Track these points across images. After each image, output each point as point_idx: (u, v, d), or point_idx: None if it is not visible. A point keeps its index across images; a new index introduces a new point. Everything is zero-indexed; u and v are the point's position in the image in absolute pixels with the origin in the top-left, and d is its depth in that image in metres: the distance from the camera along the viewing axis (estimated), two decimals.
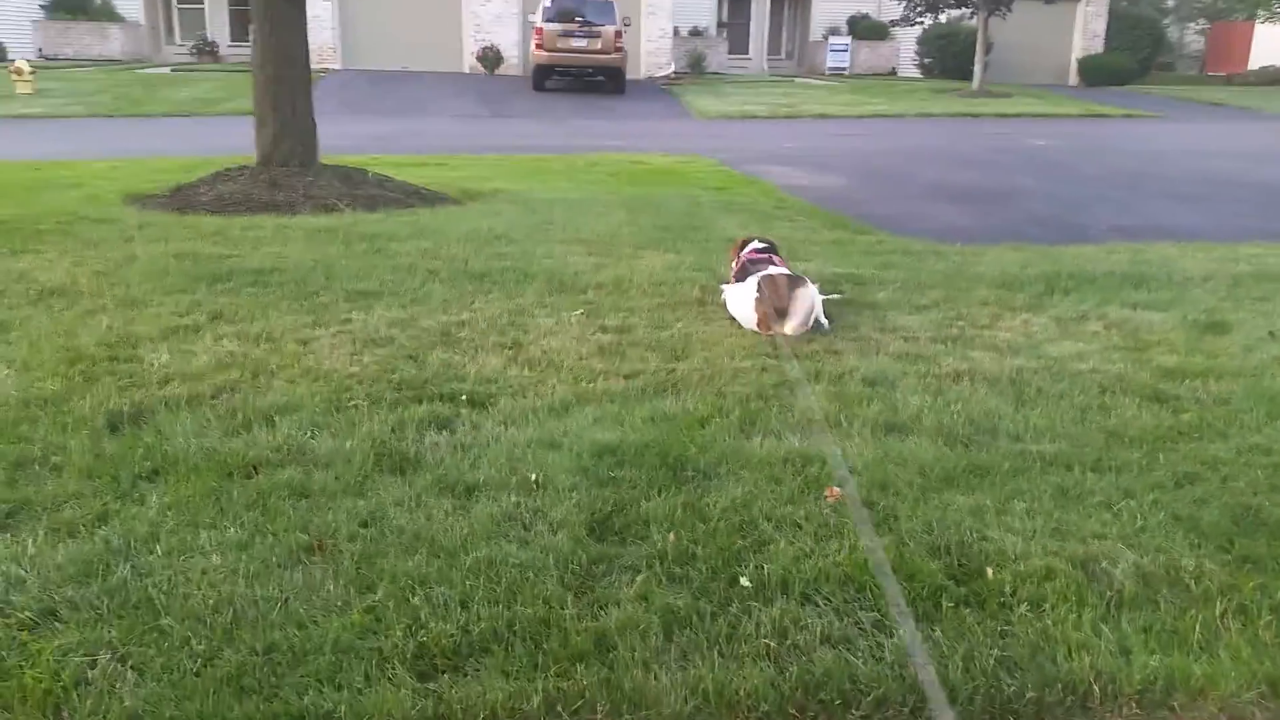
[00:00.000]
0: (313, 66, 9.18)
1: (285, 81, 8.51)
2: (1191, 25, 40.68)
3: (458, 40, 27.75)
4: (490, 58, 27.29)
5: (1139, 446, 3.20)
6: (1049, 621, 2.27)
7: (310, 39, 9.08)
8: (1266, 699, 2.10)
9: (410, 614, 2.25)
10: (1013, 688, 2.07)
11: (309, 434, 3.21)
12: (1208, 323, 4.73)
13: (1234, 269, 6.13)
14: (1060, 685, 2.08)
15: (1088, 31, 31.48)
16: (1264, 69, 33.48)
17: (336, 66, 26.44)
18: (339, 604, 2.30)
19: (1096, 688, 2.09)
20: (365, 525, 2.64)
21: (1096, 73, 30.48)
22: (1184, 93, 27.58)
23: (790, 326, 4.45)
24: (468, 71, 27.40)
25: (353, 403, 3.49)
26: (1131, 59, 31.11)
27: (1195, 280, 5.56)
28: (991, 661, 2.13)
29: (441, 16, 27.44)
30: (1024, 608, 2.32)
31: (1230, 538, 2.64)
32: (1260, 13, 31.25)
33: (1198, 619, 2.30)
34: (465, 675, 2.08)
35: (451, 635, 2.18)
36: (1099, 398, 3.66)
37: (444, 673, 2.09)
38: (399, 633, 2.19)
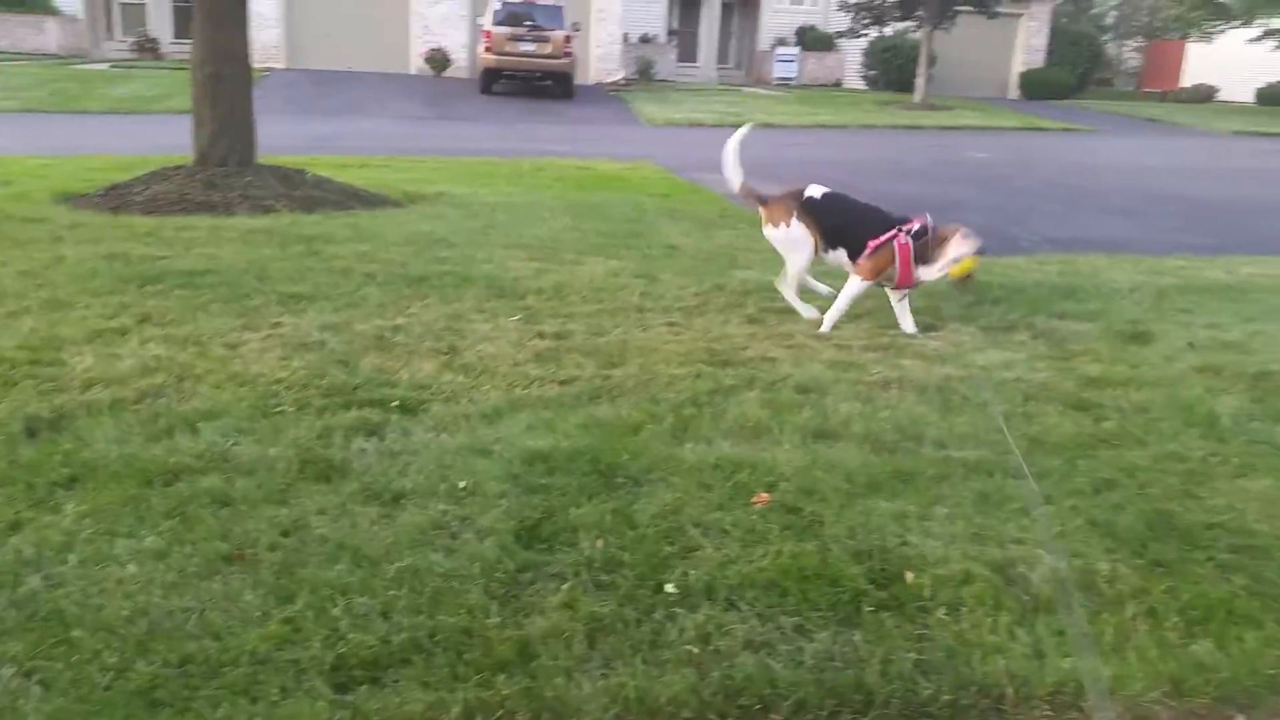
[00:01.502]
0: (256, 65, 9.04)
1: (225, 80, 8.36)
2: (1129, 43, 41.70)
3: (405, 41, 27.51)
4: (438, 60, 27.10)
5: (1060, 453, 3.28)
6: (966, 625, 2.31)
7: (254, 37, 8.94)
8: (1170, 697, 2.16)
9: (329, 625, 2.23)
10: (929, 690, 2.11)
11: (233, 441, 3.16)
12: (1131, 333, 4.86)
13: (1160, 281, 6.30)
14: (975, 688, 2.13)
15: (1029, 46, 32.14)
16: (1196, 87, 34.45)
17: (281, 66, 26.07)
18: (257, 615, 2.27)
19: (1010, 690, 2.13)
20: (287, 534, 2.60)
21: (1036, 87, 31.12)
22: (1120, 108, 28.26)
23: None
24: (414, 73, 27.18)
25: (279, 409, 3.44)
26: (1071, 74, 31.81)
27: (1122, 291, 5.70)
28: (909, 665, 2.17)
29: (389, 17, 27.20)
30: (942, 611, 2.36)
31: (1144, 542, 2.71)
32: (1192, 32, 32.13)
33: (1110, 622, 2.36)
34: (384, 687, 2.06)
35: (371, 646, 2.15)
36: (1022, 405, 3.74)
37: (362, 684, 2.07)
38: (317, 644, 2.16)
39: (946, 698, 2.09)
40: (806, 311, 5.06)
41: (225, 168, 8.24)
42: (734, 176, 5.32)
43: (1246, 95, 32.29)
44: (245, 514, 2.70)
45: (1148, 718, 2.12)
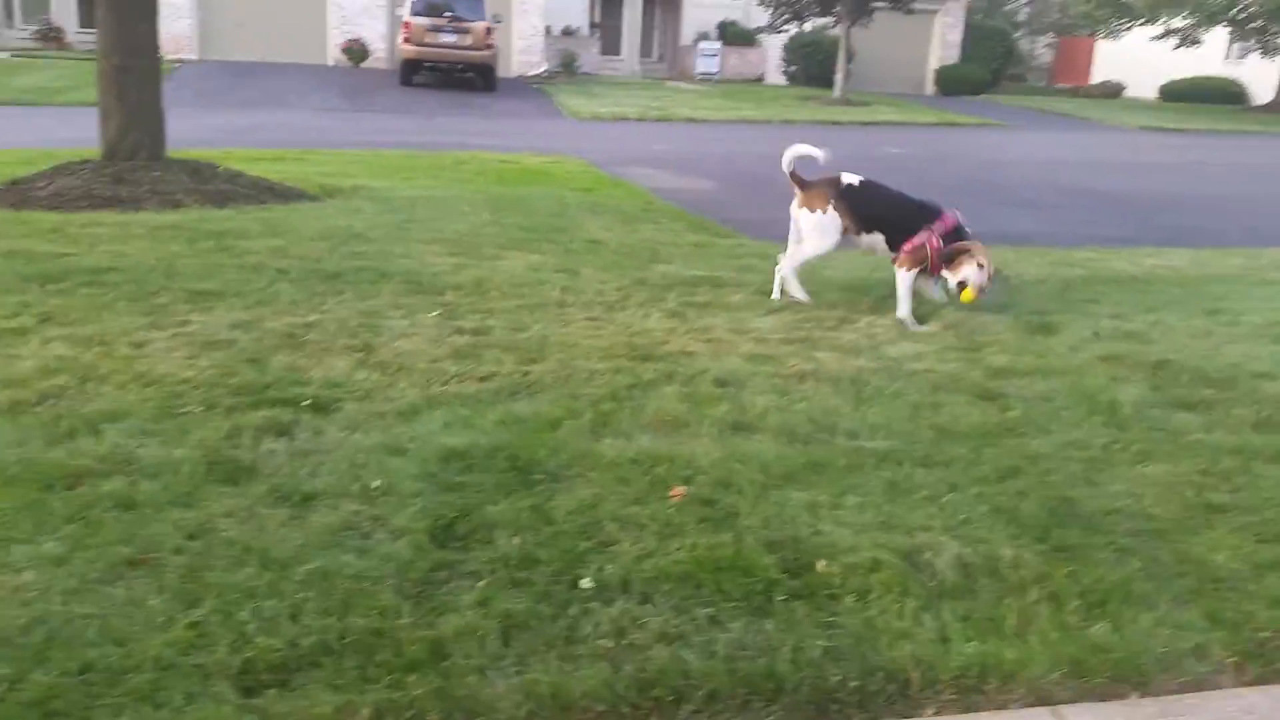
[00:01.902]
0: (168, 56, 8.80)
1: (132, 71, 8.11)
2: (1041, 39, 42.87)
3: (322, 32, 26.98)
4: (356, 51, 26.63)
5: (966, 442, 3.36)
6: (874, 611, 2.36)
7: (165, 28, 8.70)
8: (1070, 678, 2.23)
9: (236, 628, 2.18)
10: (837, 677, 2.15)
11: (137, 442, 3.07)
12: (1038, 324, 5.00)
13: (1067, 273, 6.50)
14: (882, 673, 2.18)
15: (944, 42, 32.80)
16: (1105, 82, 35.59)
17: (193, 57, 25.35)
18: (161, 620, 2.21)
19: (916, 675, 2.19)
20: (193, 538, 2.54)
21: (952, 83, 31.79)
22: (1032, 103, 29.02)
23: None
24: (332, 64, 26.67)
25: (186, 409, 3.35)
26: (985, 70, 32.57)
27: (1030, 283, 5.86)
28: (818, 652, 2.21)
29: (305, 8, 26.64)
30: (851, 599, 2.41)
31: (1046, 528, 2.80)
32: (1100, 29, 33.15)
33: (1013, 606, 2.43)
34: (292, 690, 2.03)
35: (279, 649, 2.12)
36: (931, 396, 3.83)
37: (270, 688, 2.03)
38: (224, 648, 2.12)
39: (854, 684, 2.14)
40: (803, 295, 5.33)
41: (134, 162, 8.00)
42: (789, 163, 5.43)
43: (1151, 92, 33.47)
44: (150, 517, 2.63)
45: (1049, 699, 2.20)
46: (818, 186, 5.35)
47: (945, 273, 5.06)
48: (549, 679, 2.09)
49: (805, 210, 5.34)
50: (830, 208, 5.25)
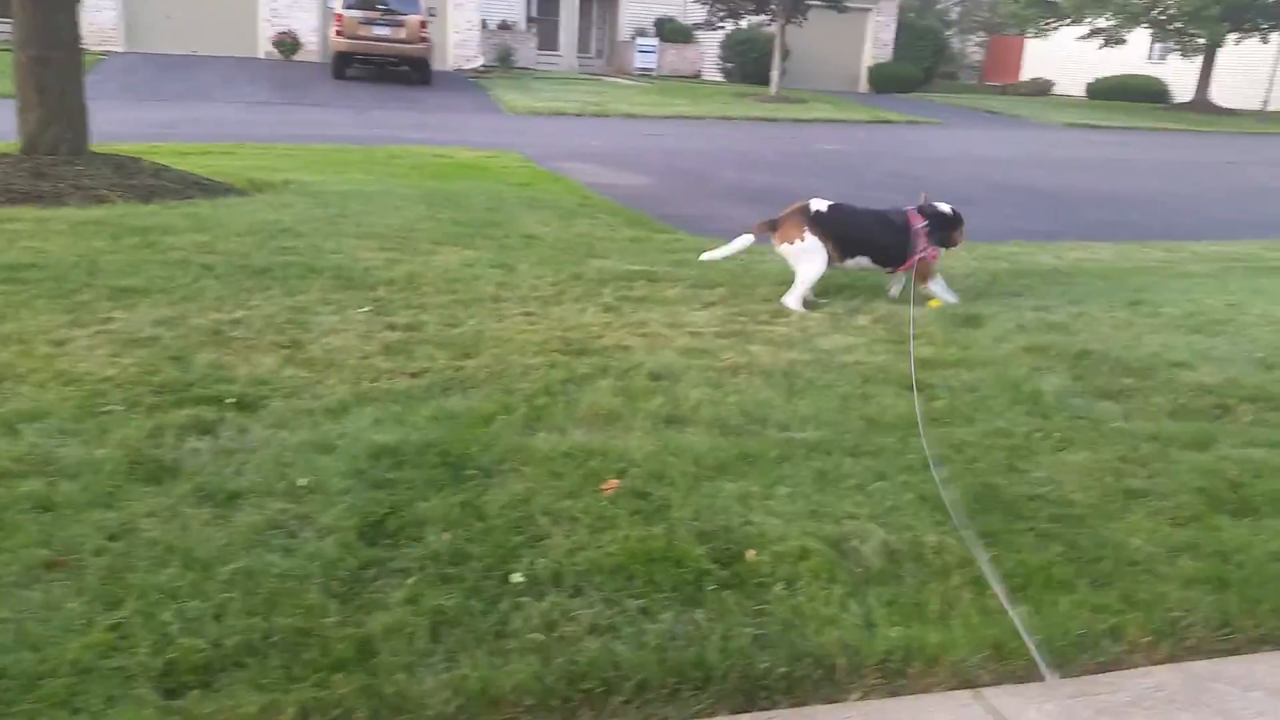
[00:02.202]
0: (92, 48, 8.56)
1: (52, 64, 7.87)
2: (972, 37, 43.67)
3: (252, 24, 26.46)
4: (287, 44, 26.17)
5: (893, 432, 3.42)
6: (802, 599, 2.40)
7: (88, 18, 8.47)
8: (992, 661, 2.29)
9: (159, 630, 2.14)
10: (765, 664, 2.18)
11: (56, 442, 2.99)
12: (964, 316, 5.11)
13: (993, 266, 6.65)
14: (809, 659, 2.21)
15: (877, 41, 33.27)
16: (1033, 80, 36.42)
17: (119, 49, 24.68)
18: (80, 623, 2.16)
19: (842, 660, 2.22)
20: (114, 539, 2.49)
21: (885, 80, 32.27)
22: (963, 101, 29.57)
23: None
24: (263, 57, 26.18)
25: (107, 408, 3.27)
26: (917, 68, 33.11)
27: (958, 277, 5.97)
28: (747, 640, 2.24)
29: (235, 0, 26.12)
30: (780, 586, 2.44)
31: (970, 514, 2.86)
32: (1029, 28, 33.88)
33: (937, 591, 2.48)
34: (216, 690, 2.00)
35: (202, 650, 2.08)
36: (861, 387, 3.89)
37: (193, 689, 2.00)
38: (145, 650, 2.08)
39: (782, 670, 2.17)
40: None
41: (55, 156, 7.78)
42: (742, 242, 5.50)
43: (1079, 89, 34.33)
44: (69, 518, 2.57)
45: (971, 681, 2.25)
46: (789, 218, 5.37)
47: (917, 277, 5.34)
48: (478, 674, 2.08)
49: (785, 244, 5.35)
50: (808, 232, 5.27)
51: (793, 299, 5.25)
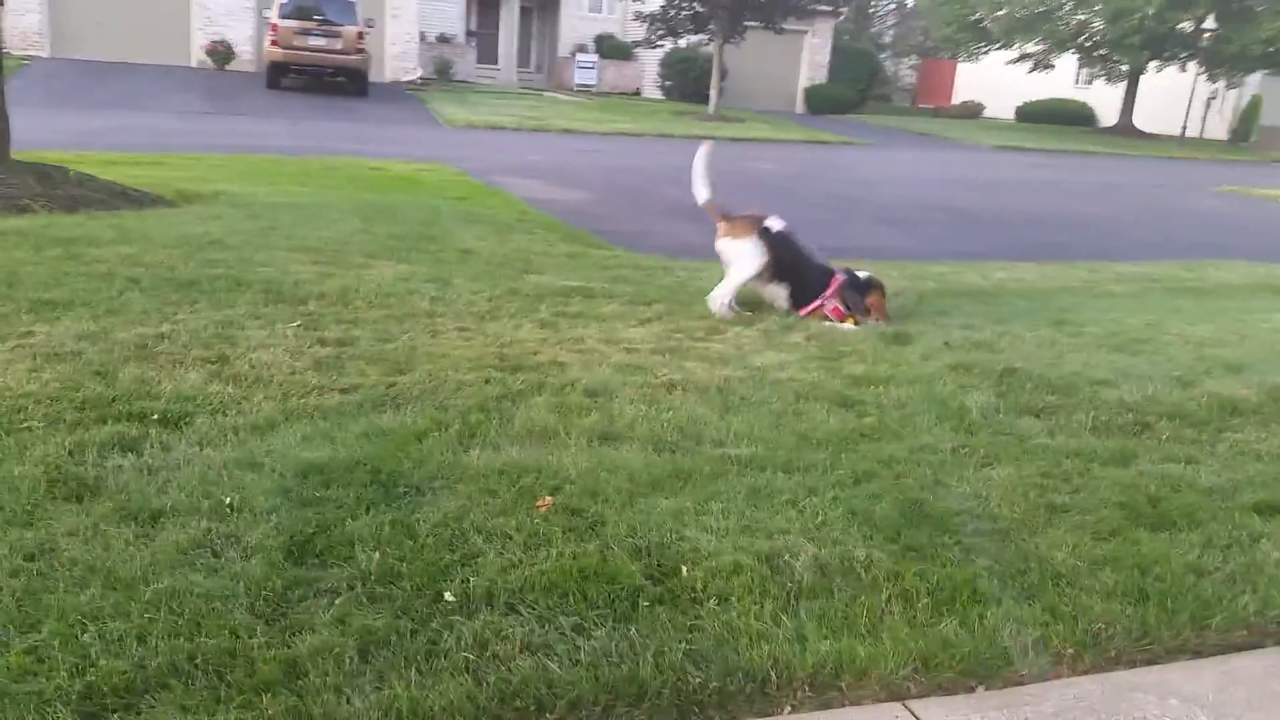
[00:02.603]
0: (14, 53, 8.32)
1: None
2: (905, 60, 44.62)
3: (185, 32, 25.97)
4: (221, 53, 25.72)
5: (825, 448, 3.47)
6: (734, 614, 2.42)
7: (11, 22, 8.25)
8: (920, 673, 2.33)
9: (79, 652, 2.09)
10: (698, 679, 2.19)
11: None
12: (894, 334, 5.20)
13: (922, 285, 6.78)
14: (742, 674, 2.23)
15: (813, 62, 33.81)
16: (965, 103, 37.30)
17: (44, 54, 24.01)
18: None
19: (774, 674, 2.25)
20: (32, 559, 2.41)
21: (820, 101, 32.79)
22: (896, 123, 30.18)
23: None
24: (195, 66, 25.70)
25: (26, 424, 3.17)
26: (852, 90, 33.72)
27: (889, 296, 6.08)
28: (680, 655, 2.25)
29: (167, 7, 25.60)
30: (713, 602, 2.45)
31: (898, 529, 2.91)
32: (960, 53, 34.74)
33: (866, 605, 2.52)
34: (138, 713, 1.96)
35: (125, 672, 2.03)
36: (794, 404, 3.93)
37: (114, 712, 1.95)
38: (64, 672, 2.02)
39: (715, 685, 2.18)
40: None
41: None
42: (702, 191, 5.74)
43: (1009, 112, 35.24)
44: None
45: (900, 694, 2.28)
46: (743, 219, 5.58)
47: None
48: (408, 694, 2.06)
49: (729, 239, 5.52)
50: (756, 238, 5.48)
51: (719, 298, 5.41)
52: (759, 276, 5.54)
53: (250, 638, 2.18)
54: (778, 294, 5.63)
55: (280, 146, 13.38)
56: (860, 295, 5.60)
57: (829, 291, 5.53)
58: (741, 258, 5.49)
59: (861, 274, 5.71)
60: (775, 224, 5.56)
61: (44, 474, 2.82)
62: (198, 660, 2.10)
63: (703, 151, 5.82)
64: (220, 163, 11.15)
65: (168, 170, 10.02)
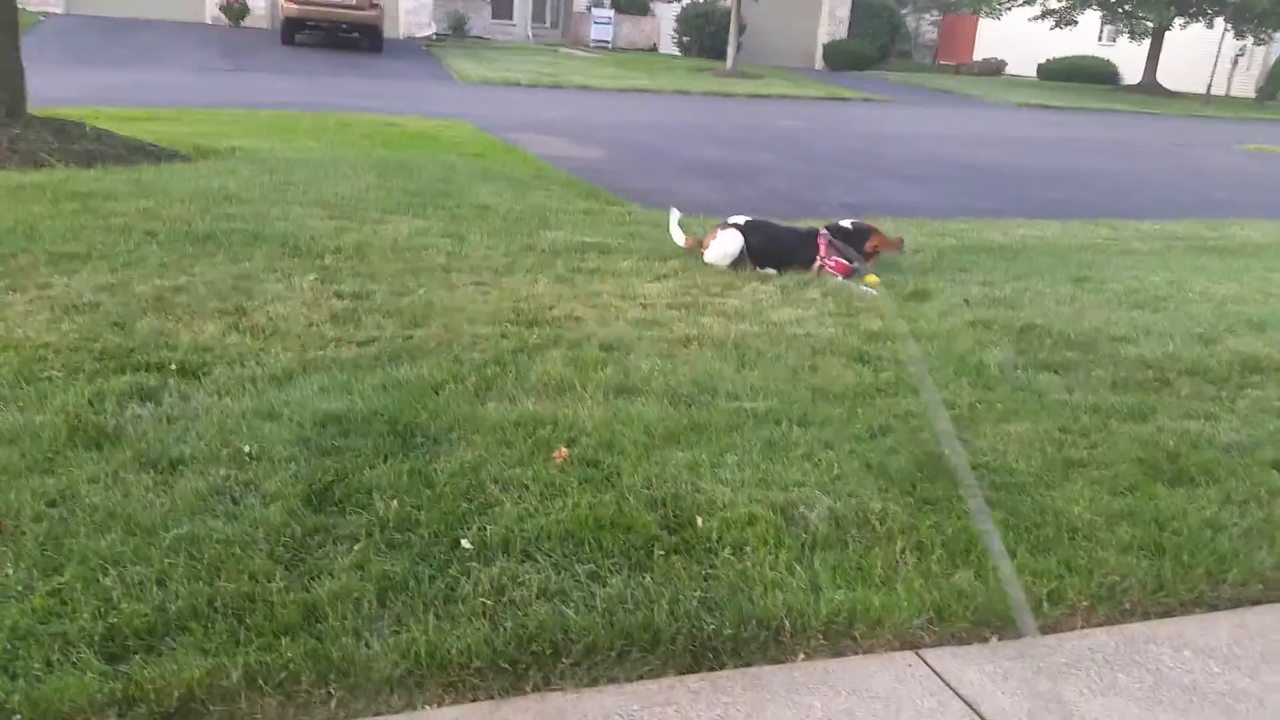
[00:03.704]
0: (28, 9, 8.29)
1: None
2: (927, 16, 43.83)
3: None
4: (235, 9, 25.53)
5: (841, 402, 3.46)
6: (749, 564, 2.43)
7: None
8: (934, 623, 2.34)
9: (100, 595, 2.12)
10: (713, 626, 2.21)
11: None
12: (912, 290, 5.16)
13: (942, 242, 6.72)
14: (755, 621, 2.24)
15: (833, 18, 33.27)
16: (986, 60, 36.67)
17: (59, 10, 23.91)
18: (19, 588, 2.13)
19: (788, 622, 2.26)
20: (53, 504, 2.45)
21: (840, 58, 32.31)
22: (917, 79, 29.74)
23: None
24: (210, 22, 25.53)
25: (46, 374, 3.20)
26: (872, 46, 33.19)
27: (908, 252, 6.03)
28: (695, 603, 2.26)
29: None
30: (727, 552, 2.46)
31: (914, 482, 2.91)
32: (984, 8, 34.10)
33: (881, 556, 2.52)
34: (160, 655, 1.98)
35: (145, 615, 2.06)
36: (810, 359, 3.92)
37: (136, 653, 1.98)
38: (87, 615, 2.06)
39: (729, 632, 2.20)
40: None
41: None
42: (680, 236, 5.87)
43: (1031, 70, 34.67)
44: (6, 484, 2.52)
45: (914, 643, 2.29)
46: (710, 232, 5.69)
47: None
48: (426, 638, 2.08)
49: (707, 251, 5.59)
50: (722, 230, 5.56)
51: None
52: (744, 261, 5.54)
53: (269, 582, 2.20)
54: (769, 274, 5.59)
55: (295, 102, 13.31)
56: (855, 244, 5.55)
57: (821, 252, 5.51)
58: (721, 244, 5.52)
59: (844, 223, 5.68)
60: (737, 219, 5.65)
61: (64, 422, 2.85)
62: (217, 604, 2.12)
63: (673, 217, 5.95)
64: (235, 118, 11.11)
65: (184, 126, 9.99)
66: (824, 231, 5.61)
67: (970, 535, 2.65)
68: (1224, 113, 26.38)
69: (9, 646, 1.96)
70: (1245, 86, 31.63)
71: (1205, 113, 26.12)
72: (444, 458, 2.86)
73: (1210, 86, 29.57)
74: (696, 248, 5.68)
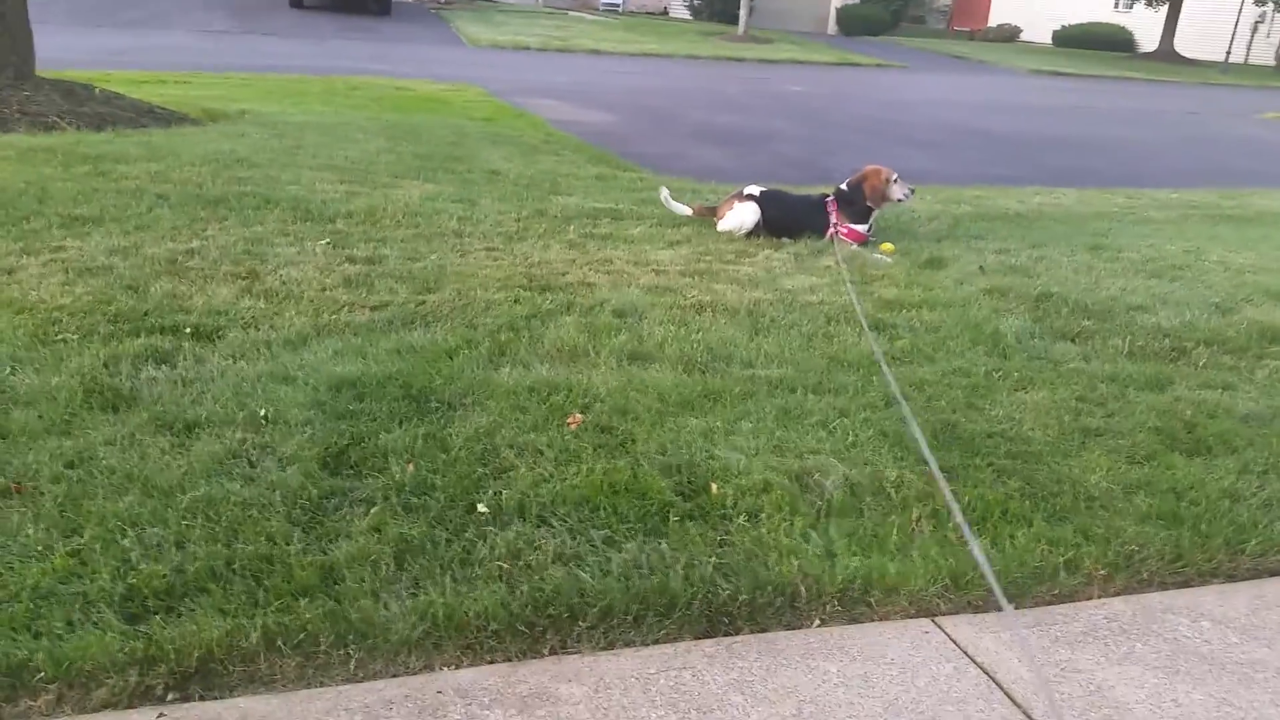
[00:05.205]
0: None
1: None
2: None
3: None
4: None
5: (856, 370, 3.44)
6: (764, 530, 2.42)
7: None
8: (949, 591, 2.33)
9: (119, 556, 2.12)
10: (728, 591, 2.21)
11: (9, 370, 2.93)
12: (928, 258, 5.12)
13: (956, 210, 6.66)
14: (771, 587, 2.24)
15: None
16: (1001, 26, 36.27)
17: None
18: (39, 549, 2.14)
19: (803, 588, 2.26)
20: (72, 466, 2.45)
21: (853, 22, 32.00)
22: (930, 45, 29.44)
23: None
24: None
25: (61, 336, 3.20)
26: (885, 11, 32.85)
27: (921, 220, 5.99)
28: (710, 569, 2.26)
29: None
30: (742, 518, 2.46)
31: (930, 450, 2.89)
32: None
33: (896, 524, 2.52)
34: (179, 615, 1.99)
35: (164, 576, 2.07)
36: (825, 326, 3.90)
37: (155, 614, 1.99)
38: (106, 575, 2.06)
39: (744, 598, 2.20)
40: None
41: None
42: (680, 208, 5.81)
43: (1046, 36, 34.28)
44: (24, 446, 2.52)
45: (929, 610, 2.29)
46: (725, 201, 5.64)
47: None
48: (444, 600, 2.09)
49: (722, 221, 5.53)
50: (739, 201, 5.51)
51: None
52: (759, 231, 5.50)
53: (287, 544, 2.21)
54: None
55: (304, 66, 13.23)
56: (856, 199, 5.47)
57: (833, 218, 5.46)
58: (737, 215, 5.48)
59: (843, 185, 5.61)
60: (753, 189, 5.58)
61: (80, 384, 2.85)
62: (235, 565, 2.13)
63: (664, 194, 5.87)
64: (245, 82, 11.05)
65: (193, 89, 9.95)
66: (832, 197, 5.58)
67: (987, 503, 2.64)
68: (1243, 81, 26.07)
69: (31, 606, 1.96)
70: (1265, 54, 31.22)
71: (1224, 80, 25.82)
72: (459, 422, 2.85)
73: (1229, 54, 29.19)
74: (708, 215, 5.63)
